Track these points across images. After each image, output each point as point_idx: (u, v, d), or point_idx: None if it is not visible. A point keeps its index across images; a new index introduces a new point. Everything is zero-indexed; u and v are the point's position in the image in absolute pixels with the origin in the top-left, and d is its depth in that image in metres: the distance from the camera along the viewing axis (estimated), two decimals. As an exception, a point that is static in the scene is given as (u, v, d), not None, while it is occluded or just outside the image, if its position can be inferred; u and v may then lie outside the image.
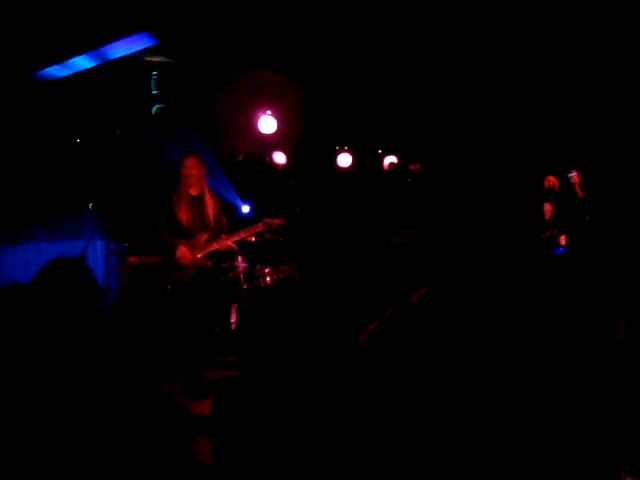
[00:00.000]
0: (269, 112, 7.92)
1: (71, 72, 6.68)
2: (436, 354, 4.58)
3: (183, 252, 5.89)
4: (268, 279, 6.91)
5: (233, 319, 7.04)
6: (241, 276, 6.82)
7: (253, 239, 6.84)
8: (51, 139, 7.10)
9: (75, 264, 3.65)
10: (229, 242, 6.10)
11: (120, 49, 6.37)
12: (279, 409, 4.01)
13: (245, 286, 6.83)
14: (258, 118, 7.87)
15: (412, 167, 8.57)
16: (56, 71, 6.67)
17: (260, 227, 6.40)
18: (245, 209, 8.42)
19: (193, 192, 5.96)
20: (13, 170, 7.04)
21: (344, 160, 9.05)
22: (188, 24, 6.12)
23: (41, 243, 7.28)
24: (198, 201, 6.01)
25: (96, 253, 7.36)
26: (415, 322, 5.43)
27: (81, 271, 3.69)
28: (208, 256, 5.97)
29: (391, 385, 4.00)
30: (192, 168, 5.94)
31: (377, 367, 4.23)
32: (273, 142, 8.37)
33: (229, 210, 7.11)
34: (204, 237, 5.96)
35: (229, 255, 6.58)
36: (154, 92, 7.00)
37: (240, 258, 6.92)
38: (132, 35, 6.02)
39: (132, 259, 6.69)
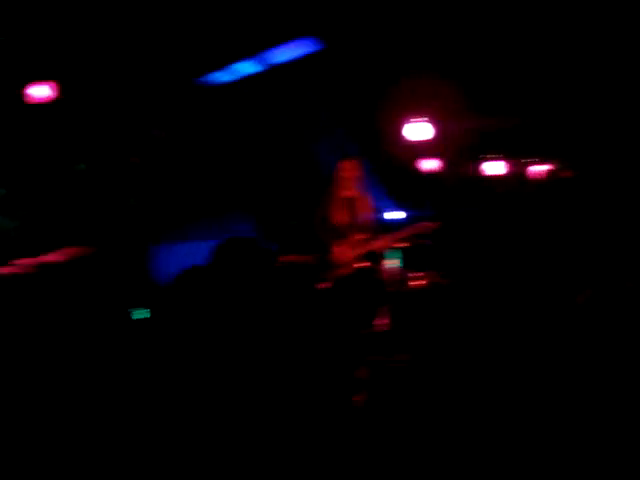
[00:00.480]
0: (424, 119, 7.96)
1: (235, 78, 7.00)
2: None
3: (340, 251, 6.07)
4: (416, 283, 6.94)
5: (382, 320, 7.09)
6: (392, 279, 6.88)
7: (403, 243, 6.90)
8: (213, 142, 7.42)
9: (248, 242, 3.82)
10: (385, 243, 6.22)
11: (284, 54, 6.60)
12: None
13: (393, 289, 6.89)
14: (411, 125, 7.92)
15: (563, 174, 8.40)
16: (220, 77, 7.01)
17: (417, 229, 6.46)
18: (400, 215, 8.47)
19: (349, 194, 6.13)
20: (176, 173, 7.41)
21: (492, 168, 8.95)
22: (353, 29, 6.28)
23: (194, 242, 7.58)
24: (353, 203, 6.17)
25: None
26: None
27: (253, 247, 3.84)
28: (365, 257, 6.11)
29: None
30: (350, 170, 6.13)
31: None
32: (426, 149, 8.40)
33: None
34: (360, 237, 6.11)
35: (379, 257, 6.68)
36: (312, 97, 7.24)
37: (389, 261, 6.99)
38: (297, 40, 6.24)
39: (284, 258, 6.88)
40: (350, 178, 6.22)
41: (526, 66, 7.29)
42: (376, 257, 6.46)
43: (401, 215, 8.42)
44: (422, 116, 7.86)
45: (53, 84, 6.63)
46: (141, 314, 6.40)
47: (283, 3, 5.83)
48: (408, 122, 7.75)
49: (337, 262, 6.14)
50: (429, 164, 8.58)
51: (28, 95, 6.60)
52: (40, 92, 6.62)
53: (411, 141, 7.93)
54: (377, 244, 6.29)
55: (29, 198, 6.59)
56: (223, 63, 6.72)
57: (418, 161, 8.54)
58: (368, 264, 6.27)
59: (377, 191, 8.06)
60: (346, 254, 6.15)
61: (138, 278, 6.75)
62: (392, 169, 8.24)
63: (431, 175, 8.54)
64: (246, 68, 6.88)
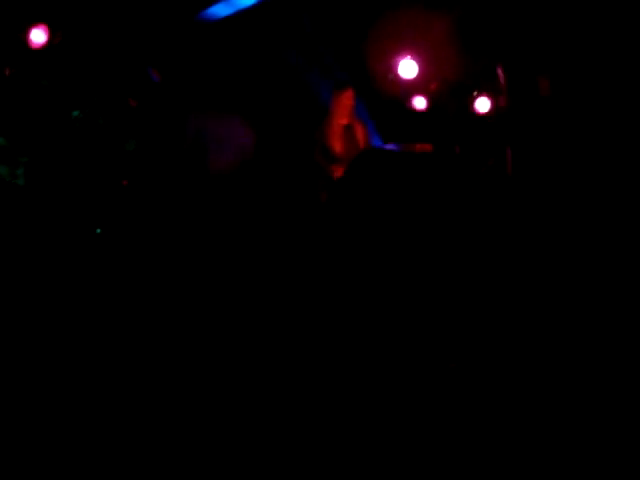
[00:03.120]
0: (409, 56, 8.05)
1: (232, 10, 7.11)
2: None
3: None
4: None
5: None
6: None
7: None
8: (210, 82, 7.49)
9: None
10: None
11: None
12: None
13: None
14: (399, 61, 8.01)
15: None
16: (219, 10, 7.12)
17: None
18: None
19: (344, 121, 6.40)
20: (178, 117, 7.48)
21: (482, 105, 8.99)
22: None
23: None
24: (350, 130, 6.43)
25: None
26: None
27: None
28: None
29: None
30: (345, 99, 6.40)
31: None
32: (415, 86, 8.48)
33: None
34: None
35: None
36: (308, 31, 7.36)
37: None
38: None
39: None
40: (346, 106, 6.50)
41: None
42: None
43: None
44: (413, 52, 7.96)
45: (46, 27, 6.68)
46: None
47: None
48: (398, 58, 7.87)
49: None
50: (419, 101, 8.67)
51: (25, 40, 6.64)
52: (35, 37, 6.66)
53: (402, 77, 8.04)
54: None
55: (28, 145, 6.65)
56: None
57: (408, 98, 8.63)
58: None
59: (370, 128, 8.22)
60: (347, 178, 6.39)
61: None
62: (381, 104, 8.35)
63: (421, 112, 8.64)
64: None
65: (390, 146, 6.67)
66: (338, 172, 6.47)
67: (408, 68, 8.04)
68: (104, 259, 6.39)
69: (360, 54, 7.57)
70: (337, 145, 6.52)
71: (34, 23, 6.62)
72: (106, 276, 6.09)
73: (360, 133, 6.62)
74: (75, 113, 6.91)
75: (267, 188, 7.23)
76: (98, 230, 6.59)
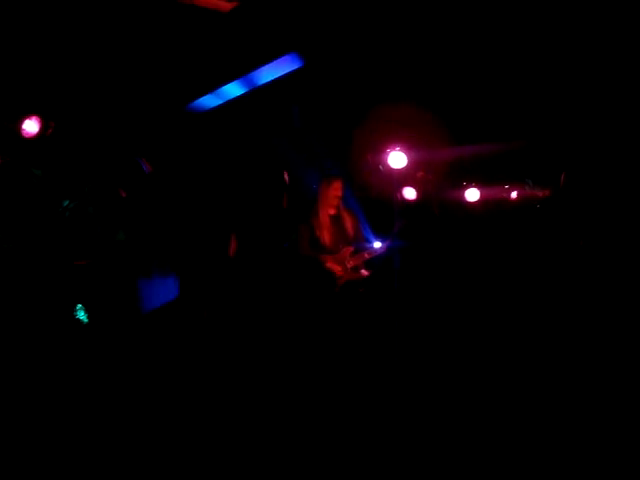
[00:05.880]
0: (398, 148, 8.15)
1: (222, 101, 7.23)
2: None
3: (331, 266, 6.32)
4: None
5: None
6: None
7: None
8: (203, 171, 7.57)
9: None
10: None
11: (268, 73, 6.85)
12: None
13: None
14: (389, 154, 8.10)
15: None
16: (208, 101, 7.24)
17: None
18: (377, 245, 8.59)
19: (332, 212, 6.45)
20: (168, 203, 7.53)
21: (472, 195, 9.06)
22: (333, 47, 6.55)
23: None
24: (337, 219, 6.48)
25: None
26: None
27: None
28: (359, 267, 6.65)
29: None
30: (334, 190, 6.48)
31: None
32: (404, 178, 8.55)
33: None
34: (349, 251, 6.40)
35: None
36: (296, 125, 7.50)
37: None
38: (280, 57, 6.50)
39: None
40: (333, 197, 6.56)
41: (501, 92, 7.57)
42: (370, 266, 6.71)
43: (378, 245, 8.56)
44: (399, 144, 8.05)
45: (39, 118, 6.76)
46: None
47: (267, 23, 6.13)
48: (385, 150, 7.96)
49: (332, 276, 6.38)
50: (408, 193, 8.72)
51: (18, 130, 6.72)
52: (28, 127, 6.74)
53: (389, 169, 8.11)
54: (366, 254, 6.55)
55: (16, 232, 6.66)
56: (210, 86, 6.94)
57: (396, 189, 8.69)
58: (363, 275, 6.52)
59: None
60: (338, 267, 6.39)
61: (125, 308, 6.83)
62: (370, 197, 8.41)
63: (410, 203, 8.69)
64: (232, 90, 7.11)
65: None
66: (327, 262, 6.48)
67: (397, 159, 8.11)
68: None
69: (348, 145, 7.70)
70: (325, 235, 6.54)
71: (27, 114, 6.71)
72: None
73: (349, 223, 6.64)
74: (66, 202, 6.94)
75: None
76: (82, 314, 6.55)
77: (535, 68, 7.01)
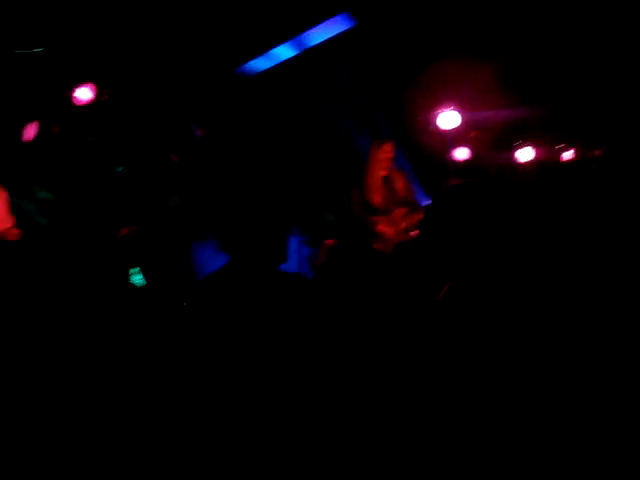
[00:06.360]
0: (451, 107, 8.04)
1: (272, 64, 7.21)
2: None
3: (383, 228, 6.31)
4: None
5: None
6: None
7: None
8: (250, 135, 7.56)
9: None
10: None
11: (320, 34, 6.79)
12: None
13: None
14: (441, 113, 8.00)
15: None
16: (259, 64, 7.23)
17: None
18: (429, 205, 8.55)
19: (383, 173, 6.43)
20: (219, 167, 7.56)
21: (525, 154, 8.90)
22: (386, 5, 6.46)
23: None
24: (388, 181, 6.45)
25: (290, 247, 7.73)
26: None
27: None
28: (410, 229, 6.52)
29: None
30: (385, 152, 6.43)
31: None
32: (456, 138, 8.45)
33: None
34: (401, 212, 6.36)
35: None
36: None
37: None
38: (331, 18, 6.45)
39: (329, 241, 7.03)
40: (384, 159, 6.53)
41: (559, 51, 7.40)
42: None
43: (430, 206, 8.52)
44: (452, 103, 7.94)
45: (93, 86, 6.83)
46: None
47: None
48: (438, 110, 7.86)
49: (384, 239, 6.37)
50: (460, 153, 8.62)
51: (73, 98, 6.80)
52: (83, 94, 6.81)
53: (442, 129, 8.01)
54: (418, 216, 6.54)
55: (73, 201, 6.74)
56: (261, 49, 6.92)
57: (449, 150, 8.60)
58: (415, 235, 6.50)
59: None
60: (391, 229, 6.39)
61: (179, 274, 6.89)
62: (422, 157, 8.34)
63: (463, 164, 8.60)
64: (283, 52, 7.08)
65: None
66: (379, 224, 6.46)
67: (450, 119, 8.01)
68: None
69: (400, 106, 7.60)
70: (377, 197, 6.51)
71: (82, 81, 6.79)
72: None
73: (401, 184, 6.60)
74: (119, 169, 7.01)
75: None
76: (137, 278, 6.64)
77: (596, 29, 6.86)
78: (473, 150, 8.63)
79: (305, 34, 6.76)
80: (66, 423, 4.05)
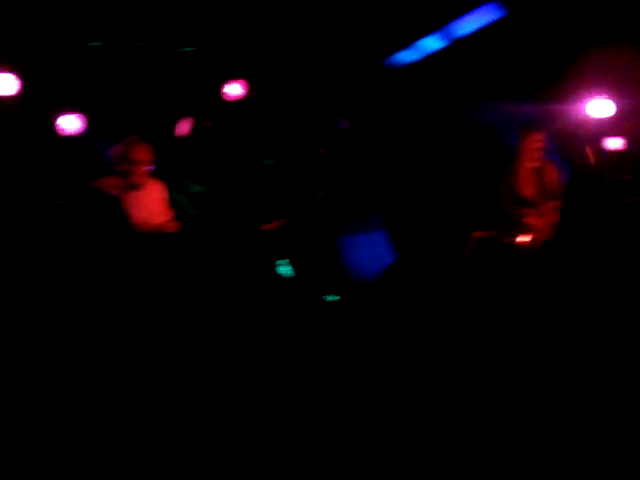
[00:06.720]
0: (605, 95, 7.75)
1: (420, 56, 7.19)
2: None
3: (532, 220, 6.18)
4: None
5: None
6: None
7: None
8: (396, 127, 7.57)
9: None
10: None
11: (469, 25, 6.72)
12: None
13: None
14: (594, 101, 7.72)
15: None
16: (406, 56, 7.23)
17: None
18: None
19: (534, 164, 6.28)
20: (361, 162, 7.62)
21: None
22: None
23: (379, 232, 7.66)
24: (540, 172, 6.29)
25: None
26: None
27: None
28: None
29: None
30: (535, 142, 6.29)
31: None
32: (610, 127, 8.14)
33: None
34: (551, 205, 6.21)
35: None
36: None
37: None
38: (481, 7, 6.36)
39: (477, 234, 6.94)
40: (535, 149, 6.36)
41: None
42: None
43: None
44: (606, 91, 7.65)
45: (244, 82, 7.05)
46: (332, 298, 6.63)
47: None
48: (591, 98, 7.59)
49: (533, 231, 6.23)
50: (614, 143, 8.29)
51: (224, 94, 7.05)
52: (233, 90, 7.05)
53: (593, 118, 7.74)
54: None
55: (223, 194, 6.97)
56: (409, 40, 6.92)
57: (601, 139, 8.29)
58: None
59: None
60: (539, 223, 6.24)
61: (328, 268, 6.98)
62: (572, 146, 8.07)
63: (615, 154, 8.27)
64: (431, 44, 7.05)
65: None
66: (529, 216, 6.31)
67: (604, 107, 7.70)
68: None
69: (551, 95, 7.39)
70: (527, 189, 6.36)
71: (233, 78, 7.02)
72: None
73: (553, 176, 6.42)
74: (268, 162, 7.20)
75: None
76: (286, 269, 6.78)
77: None
78: (629, 140, 8.28)
79: (454, 24, 6.69)
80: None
